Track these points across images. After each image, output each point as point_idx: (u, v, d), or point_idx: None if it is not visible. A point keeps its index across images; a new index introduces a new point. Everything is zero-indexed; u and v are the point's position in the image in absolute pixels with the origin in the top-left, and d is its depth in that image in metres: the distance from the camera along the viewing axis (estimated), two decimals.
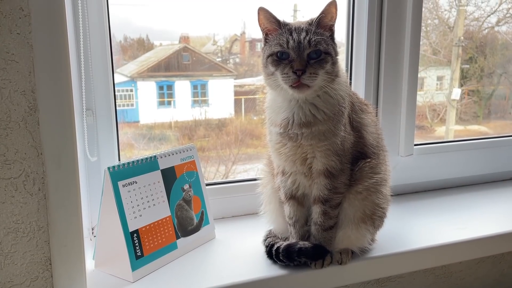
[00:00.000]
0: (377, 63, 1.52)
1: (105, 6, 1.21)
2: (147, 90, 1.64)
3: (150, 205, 1.13)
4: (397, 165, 1.56)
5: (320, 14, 1.04)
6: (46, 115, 0.91)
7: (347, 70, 1.53)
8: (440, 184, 1.69)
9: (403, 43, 1.51)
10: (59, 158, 0.92)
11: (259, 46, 1.71)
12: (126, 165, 1.10)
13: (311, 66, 1.01)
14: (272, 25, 1.05)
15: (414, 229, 1.36)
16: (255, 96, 1.73)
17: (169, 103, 1.69)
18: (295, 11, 1.66)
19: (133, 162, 1.12)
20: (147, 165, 1.15)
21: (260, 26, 1.07)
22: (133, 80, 1.58)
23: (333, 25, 1.06)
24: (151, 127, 1.64)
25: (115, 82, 1.29)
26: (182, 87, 1.69)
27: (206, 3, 1.53)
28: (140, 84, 1.61)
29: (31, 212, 0.93)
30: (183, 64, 1.65)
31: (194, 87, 1.70)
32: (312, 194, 1.12)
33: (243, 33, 1.68)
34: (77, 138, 1.14)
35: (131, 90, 1.60)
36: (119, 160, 1.31)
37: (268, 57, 1.04)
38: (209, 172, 1.72)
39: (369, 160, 1.13)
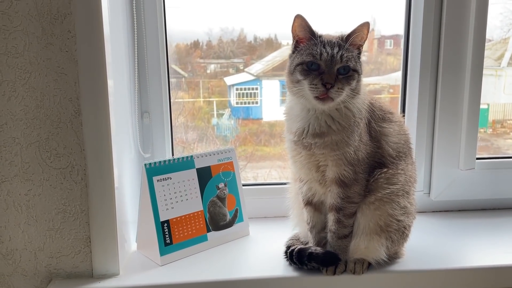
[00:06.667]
0: (435, 58, 1.40)
1: (161, 10, 1.37)
2: (271, 88, 1.71)
3: (183, 199, 1.26)
4: (455, 179, 1.46)
5: (352, 32, 1.05)
6: (87, 118, 1.10)
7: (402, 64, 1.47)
8: (505, 203, 1.53)
9: (466, 36, 1.36)
10: (97, 154, 1.11)
11: (389, 43, 1.65)
12: (162, 163, 1.24)
13: (339, 81, 1.03)
14: (306, 34, 1.06)
15: (462, 248, 1.28)
16: (380, 96, 1.66)
17: None
18: None
19: (169, 160, 1.26)
20: (183, 163, 1.28)
21: (292, 33, 1.08)
22: (258, 78, 1.67)
23: (362, 45, 1.07)
24: (272, 125, 1.72)
25: (243, 81, 1.43)
26: None
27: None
28: (265, 82, 1.69)
29: (76, 197, 1.13)
30: None
31: None
32: (327, 201, 1.14)
33: (372, 30, 1.60)
34: (132, 137, 1.33)
35: (256, 89, 1.69)
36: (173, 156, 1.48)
37: (297, 65, 1.05)
38: None
39: (385, 170, 1.11)
